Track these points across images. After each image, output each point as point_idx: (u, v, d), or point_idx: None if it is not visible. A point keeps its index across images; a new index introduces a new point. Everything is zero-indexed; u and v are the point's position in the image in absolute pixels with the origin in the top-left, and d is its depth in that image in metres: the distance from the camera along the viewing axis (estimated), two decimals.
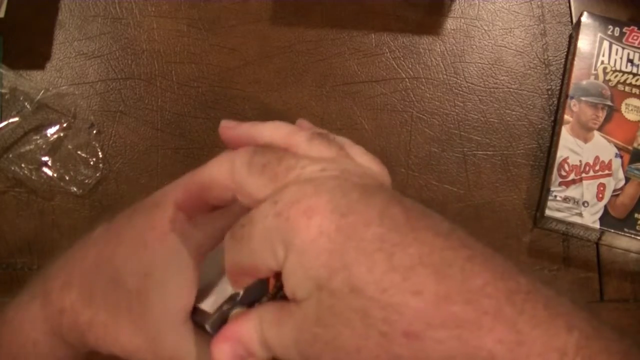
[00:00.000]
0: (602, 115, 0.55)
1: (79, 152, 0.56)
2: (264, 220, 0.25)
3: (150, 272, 0.30)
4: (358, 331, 0.23)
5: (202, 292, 0.31)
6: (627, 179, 0.53)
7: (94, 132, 0.57)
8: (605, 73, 0.56)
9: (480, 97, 0.59)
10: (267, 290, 0.29)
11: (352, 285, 0.23)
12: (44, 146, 0.55)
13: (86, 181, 0.55)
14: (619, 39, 0.57)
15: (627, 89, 0.56)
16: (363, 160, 0.28)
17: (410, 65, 0.60)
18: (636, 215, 0.52)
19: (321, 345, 0.24)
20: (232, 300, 0.30)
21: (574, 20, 0.61)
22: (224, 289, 0.30)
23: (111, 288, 0.31)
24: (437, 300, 0.22)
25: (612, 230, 0.52)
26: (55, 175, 0.55)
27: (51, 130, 0.56)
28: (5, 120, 0.56)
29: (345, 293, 0.23)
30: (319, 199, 0.24)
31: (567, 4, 0.62)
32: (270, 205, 0.25)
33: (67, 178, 0.55)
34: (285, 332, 0.25)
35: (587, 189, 0.53)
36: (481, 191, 0.56)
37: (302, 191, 0.24)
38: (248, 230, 0.25)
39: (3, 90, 0.56)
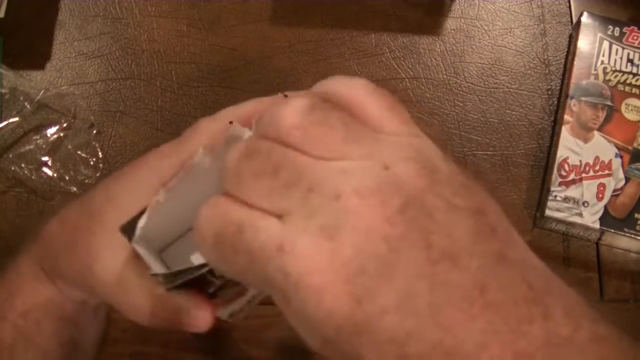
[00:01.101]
0: (602, 115, 0.55)
1: (79, 152, 0.56)
2: (268, 261, 0.20)
3: (113, 196, 0.31)
4: None
5: (168, 245, 0.31)
6: (627, 179, 0.53)
7: (94, 132, 0.57)
8: (605, 73, 0.56)
9: (480, 97, 0.59)
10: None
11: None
12: (44, 146, 0.55)
13: (86, 181, 0.55)
14: (619, 39, 0.57)
15: (627, 89, 0.56)
16: (391, 127, 0.22)
17: (410, 65, 0.60)
18: (636, 215, 0.52)
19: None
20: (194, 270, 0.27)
21: (574, 20, 0.61)
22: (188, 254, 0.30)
23: (81, 212, 0.32)
24: None
25: (612, 230, 0.52)
26: (55, 175, 0.55)
27: (51, 130, 0.56)
28: (5, 120, 0.56)
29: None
30: (335, 275, 0.19)
31: (567, 4, 0.62)
32: (275, 251, 0.20)
33: (67, 178, 0.55)
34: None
35: (587, 189, 0.53)
36: None
37: (315, 255, 0.19)
38: (244, 247, 0.20)
39: (3, 90, 0.56)
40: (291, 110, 0.21)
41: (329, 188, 0.20)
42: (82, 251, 0.31)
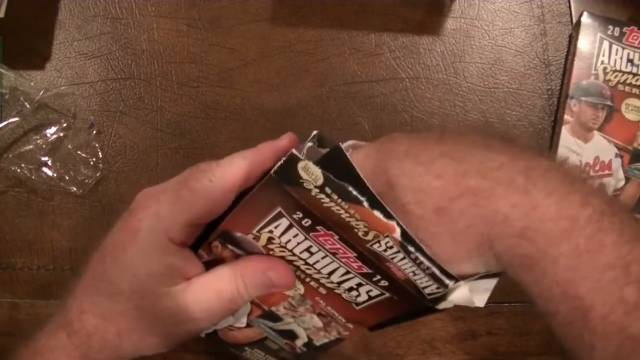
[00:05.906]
0: (602, 115, 0.55)
1: (79, 152, 0.56)
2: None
3: (135, 270, 0.32)
4: (402, 221, 0.28)
5: None
6: (627, 179, 0.53)
7: (94, 132, 0.57)
8: (605, 73, 0.56)
9: (480, 97, 0.59)
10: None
11: (390, 182, 0.28)
12: (44, 146, 0.55)
13: (86, 181, 0.55)
14: (619, 39, 0.57)
15: (627, 89, 0.56)
16: None
17: (410, 65, 0.60)
18: (636, 215, 0.52)
19: None
20: None
21: (574, 20, 0.61)
22: None
23: (117, 300, 0.32)
24: (455, 178, 0.27)
25: None
26: (55, 175, 0.55)
27: (51, 130, 0.56)
28: (5, 120, 0.56)
29: (386, 191, 0.28)
30: (367, 147, 0.31)
31: (567, 4, 0.62)
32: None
33: (67, 178, 0.55)
34: None
35: None
36: None
37: (361, 148, 0.32)
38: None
39: (3, 90, 0.56)
40: None
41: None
42: (150, 328, 0.33)
